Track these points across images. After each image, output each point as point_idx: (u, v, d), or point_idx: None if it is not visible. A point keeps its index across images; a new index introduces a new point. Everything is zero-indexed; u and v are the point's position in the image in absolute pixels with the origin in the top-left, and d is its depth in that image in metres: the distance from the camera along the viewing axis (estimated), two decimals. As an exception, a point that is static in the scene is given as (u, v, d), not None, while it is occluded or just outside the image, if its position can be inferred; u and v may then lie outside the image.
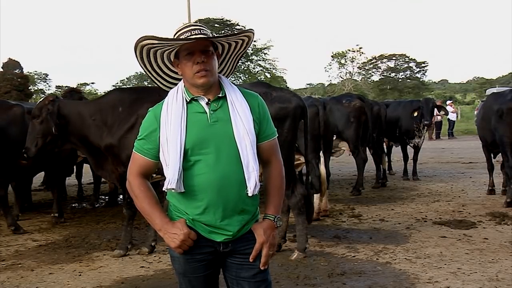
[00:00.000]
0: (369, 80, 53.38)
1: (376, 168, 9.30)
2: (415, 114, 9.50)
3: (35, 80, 48.32)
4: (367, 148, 9.02)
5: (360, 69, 53.05)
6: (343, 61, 51.97)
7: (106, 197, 8.37)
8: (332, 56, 52.45)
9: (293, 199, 4.65)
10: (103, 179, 7.70)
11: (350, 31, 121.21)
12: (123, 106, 4.97)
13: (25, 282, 4.34)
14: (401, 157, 10.43)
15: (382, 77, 53.15)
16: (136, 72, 53.45)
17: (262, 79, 39.79)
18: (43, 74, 50.82)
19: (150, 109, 2.13)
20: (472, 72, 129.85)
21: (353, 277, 4.17)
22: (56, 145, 5.25)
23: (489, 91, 20.29)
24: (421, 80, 52.95)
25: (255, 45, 40.65)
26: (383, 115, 9.34)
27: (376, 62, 52.85)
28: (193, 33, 2.01)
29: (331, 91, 46.53)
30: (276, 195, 2.15)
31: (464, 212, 6.61)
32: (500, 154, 7.36)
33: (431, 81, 62.92)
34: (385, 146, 10.38)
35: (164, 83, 2.24)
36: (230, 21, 41.97)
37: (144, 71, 2.21)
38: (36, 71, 49.26)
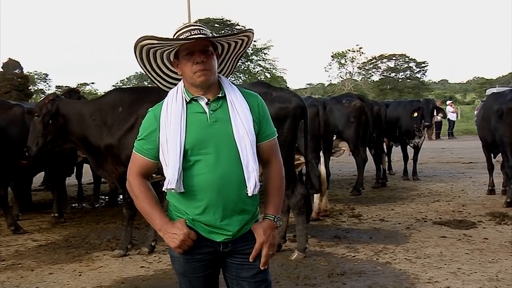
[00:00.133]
0: (369, 80, 53.40)
1: (376, 168, 9.29)
2: (415, 114, 9.50)
3: (35, 80, 48.34)
4: (368, 148, 9.03)
5: (360, 69, 53.09)
6: (343, 61, 52.02)
7: (106, 197, 8.37)
8: (332, 56, 52.54)
9: (293, 199, 4.65)
10: (103, 179, 7.70)
11: (350, 31, 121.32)
12: (123, 106, 4.97)
13: (25, 282, 4.34)
14: (401, 157, 10.43)
15: (382, 77, 53.17)
16: (136, 72, 53.47)
17: (262, 79, 39.79)
18: (43, 74, 50.92)
19: (150, 109, 2.13)
20: (472, 72, 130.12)
21: (353, 277, 4.17)
22: (57, 144, 5.26)
23: (489, 91, 20.30)
24: (421, 80, 52.96)
25: (255, 45, 40.67)
26: (383, 115, 9.33)
27: (376, 62, 52.87)
28: (192, 33, 2.01)
29: (331, 91, 46.53)
30: (276, 195, 2.15)
31: (464, 212, 6.60)
32: (500, 154, 7.36)
33: (431, 81, 63.01)
34: (385, 146, 10.38)
35: (164, 83, 2.24)
36: (230, 21, 42.00)
37: (144, 71, 2.21)
38: (36, 71, 49.35)
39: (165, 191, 2.06)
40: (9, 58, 35.54)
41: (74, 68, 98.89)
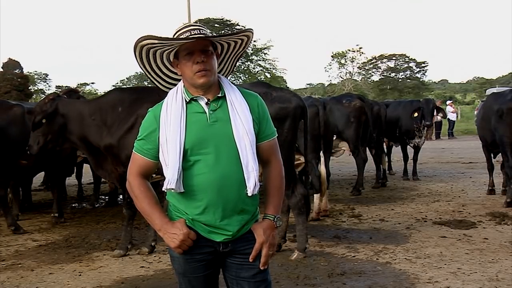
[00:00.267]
0: (369, 80, 53.40)
1: (376, 168, 9.29)
2: (415, 114, 9.49)
3: (35, 80, 48.35)
4: (368, 148, 9.03)
5: (360, 69, 53.10)
6: (343, 61, 52.03)
7: (106, 197, 8.37)
8: (332, 56, 52.56)
9: (293, 199, 4.65)
10: (103, 179, 7.70)
11: (350, 31, 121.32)
12: (123, 106, 4.97)
13: (25, 282, 4.34)
14: (401, 157, 10.43)
15: (382, 77, 53.17)
16: (136, 72, 53.48)
17: (262, 79, 39.80)
18: (43, 74, 50.95)
19: (149, 109, 2.13)
20: (472, 72, 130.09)
21: (353, 277, 4.17)
22: (58, 143, 5.28)
23: (489, 91, 20.30)
24: (421, 80, 52.96)
25: (255, 45, 40.69)
26: (383, 115, 9.33)
27: (376, 62, 52.87)
28: (192, 33, 2.01)
29: (331, 91, 46.55)
30: (276, 195, 2.15)
31: (464, 212, 6.60)
32: (500, 154, 7.35)
33: (431, 81, 63.01)
34: (385, 146, 10.39)
35: (163, 83, 2.24)
36: (230, 21, 42.01)
37: (143, 71, 2.20)
38: (36, 71, 49.38)
39: (165, 191, 2.06)
40: (9, 58, 35.58)
41: (74, 68, 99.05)
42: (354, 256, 4.80)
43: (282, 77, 45.91)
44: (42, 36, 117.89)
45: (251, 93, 2.16)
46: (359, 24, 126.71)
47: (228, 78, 2.28)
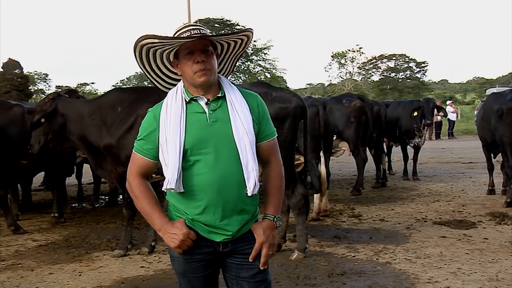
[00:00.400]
0: (369, 80, 53.42)
1: (376, 168, 9.29)
2: (415, 114, 9.49)
3: (35, 80, 48.36)
4: (368, 148, 9.03)
5: (360, 69, 53.12)
6: (343, 61, 52.05)
7: (106, 197, 8.37)
8: (332, 56, 52.58)
9: (293, 199, 4.65)
10: (103, 179, 7.70)
11: (350, 31, 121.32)
12: (123, 106, 4.97)
13: (25, 282, 4.34)
14: (401, 157, 10.43)
15: (382, 77, 53.18)
16: (136, 72, 53.48)
17: (262, 79, 39.81)
18: (43, 74, 50.95)
19: (149, 109, 2.13)
20: (472, 72, 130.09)
21: (353, 277, 4.17)
22: (58, 143, 5.30)
23: (489, 91, 20.30)
24: (421, 80, 52.97)
25: (255, 45, 40.70)
26: (383, 115, 9.33)
27: (376, 62, 52.88)
28: (192, 33, 2.01)
29: (331, 91, 46.55)
30: (276, 195, 2.15)
31: (464, 212, 6.60)
32: (500, 154, 7.35)
33: (431, 81, 63.01)
34: (385, 146, 10.38)
35: (163, 83, 2.24)
36: (230, 21, 42.01)
37: (143, 71, 2.20)
38: (36, 71, 49.39)
39: (165, 191, 2.06)
40: (9, 58, 35.59)
41: (74, 68, 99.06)
42: (354, 256, 4.80)
43: (282, 77, 45.97)
44: (42, 36, 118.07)
45: (251, 93, 2.16)
46: (359, 24, 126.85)
47: (228, 78, 2.27)
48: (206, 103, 2.05)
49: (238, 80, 39.92)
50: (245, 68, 42.33)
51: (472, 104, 44.42)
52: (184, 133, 2.00)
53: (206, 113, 2.04)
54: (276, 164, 2.17)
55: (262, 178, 2.15)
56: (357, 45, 60.33)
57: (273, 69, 43.92)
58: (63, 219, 6.74)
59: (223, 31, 35.79)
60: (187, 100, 2.05)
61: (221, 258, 2.10)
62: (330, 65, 52.83)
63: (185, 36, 2.00)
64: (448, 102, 25.50)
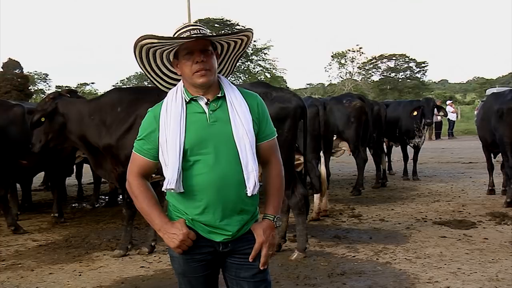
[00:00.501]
0: (369, 80, 53.41)
1: (376, 168, 9.29)
2: (415, 113, 9.49)
3: (35, 80, 48.34)
4: (368, 148, 9.03)
5: (360, 69, 53.11)
6: (343, 61, 52.07)
7: (106, 197, 8.37)
8: (332, 56, 52.61)
9: (293, 199, 4.65)
10: (103, 179, 7.70)
11: (350, 31, 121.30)
12: (122, 106, 4.97)
13: (25, 282, 4.34)
14: (401, 157, 10.43)
15: (382, 77, 53.18)
16: (136, 72, 53.43)
17: (262, 79, 39.82)
18: (43, 74, 50.95)
19: (149, 109, 2.13)
20: (472, 72, 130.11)
21: (353, 277, 4.17)
22: (59, 142, 5.31)
23: (489, 91, 20.28)
24: (421, 80, 52.97)
25: (255, 45, 40.71)
26: (383, 115, 9.33)
27: (376, 62, 52.88)
28: (192, 33, 2.01)
29: (331, 91, 46.59)
30: (276, 195, 2.15)
31: (464, 212, 6.60)
32: (500, 154, 7.35)
33: (431, 81, 62.97)
34: (385, 146, 10.38)
35: (163, 83, 2.24)
36: (230, 21, 42.02)
37: (143, 71, 2.20)
38: (36, 71, 49.35)
39: (165, 191, 2.06)
40: (9, 58, 35.53)
41: (74, 68, 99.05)
42: (354, 256, 4.80)
43: (282, 77, 45.98)
44: (42, 36, 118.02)
45: (251, 93, 2.16)
46: (359, 24, 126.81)
47: (228, 78, 2.27)
48: (206, 103, 2.05)
49: (238, 80, 39.92)
50: (245, 68, 42.33)
51: (472, 104, 44.38)
52: (184, 133, 2.00)
53: (206, 113, 2.04)
54: (276, 164, 2.17)
55: (262, 178, 2.15)
56: (357, 45, 60.36)
57: (273, 69, 43.97)
58: (63, 219, 6.74)
59: (223, 31, 35.79)
60: (187, 100, 2.05)
61: (221, 258, 2.10)
62: (330, 65, 52.94)
63: (184, 36, 2.00)
64: (448, 102, 25.51)
